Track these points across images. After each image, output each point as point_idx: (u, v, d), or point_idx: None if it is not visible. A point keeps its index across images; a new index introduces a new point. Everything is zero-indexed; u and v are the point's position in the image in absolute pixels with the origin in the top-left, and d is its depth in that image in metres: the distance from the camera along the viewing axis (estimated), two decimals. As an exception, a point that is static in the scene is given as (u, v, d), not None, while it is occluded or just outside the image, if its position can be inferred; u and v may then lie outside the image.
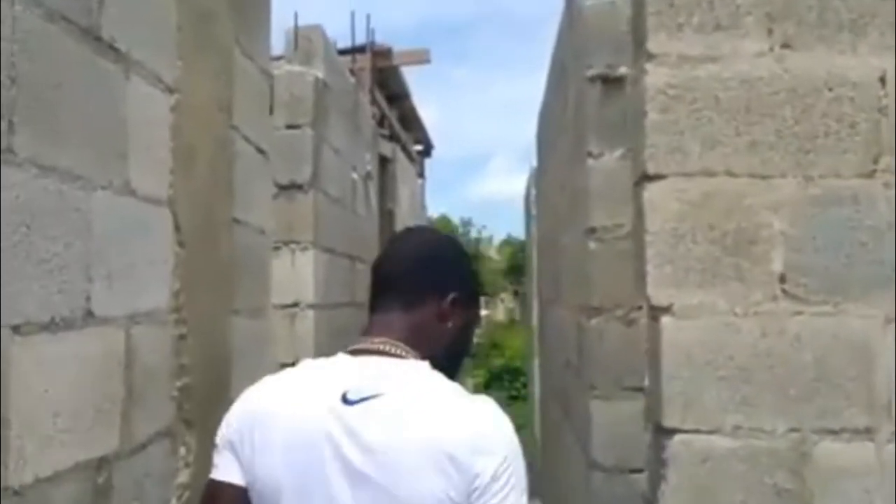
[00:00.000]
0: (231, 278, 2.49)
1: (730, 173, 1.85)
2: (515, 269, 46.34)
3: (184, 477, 2.12)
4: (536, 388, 8.86)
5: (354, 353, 1.40)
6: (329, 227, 4.34)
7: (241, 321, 2.60)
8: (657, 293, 1.85)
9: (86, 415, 1.59)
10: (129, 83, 1.80)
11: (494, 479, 1.26)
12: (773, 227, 1.85)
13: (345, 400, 1.31)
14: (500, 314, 43.42)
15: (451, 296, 1.46)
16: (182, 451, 2.12)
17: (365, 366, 1.36)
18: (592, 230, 2.97)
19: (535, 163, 9.09)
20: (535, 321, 8.91)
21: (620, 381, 2.96)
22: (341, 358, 1.41)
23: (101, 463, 1.65)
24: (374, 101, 6.40)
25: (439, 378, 1.37)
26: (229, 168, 2.48)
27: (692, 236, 1.85)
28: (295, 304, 3.99)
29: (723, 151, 1.86)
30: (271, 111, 3.84)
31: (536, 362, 8.73)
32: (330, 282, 4.37)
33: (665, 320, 1.85)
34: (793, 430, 1.85)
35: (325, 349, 4.31)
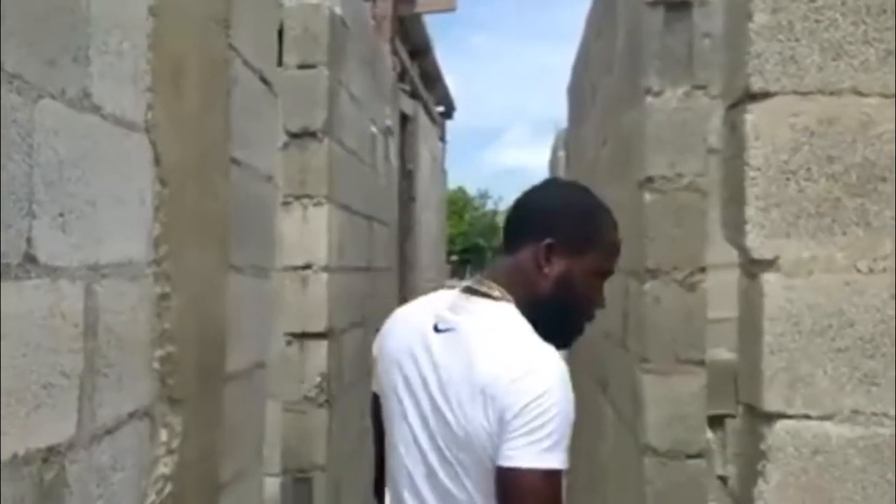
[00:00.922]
0: (228, 228, 2.11)
1: (857, 92, 1.45)
2: (533, 240, 46.12)
3: (166, 466, 1.75)
4: (561, 361, 8.48)
5: (463, 289, 1.59)
6: (346, 182, 3.94)
7: (240, 279, 2.22)
8: (759, 244, 1.45)
9: (26, 393, 1.22)
10: (90, -32, 1.40)
11: (521, 413, 1.34)
12: (909, 160, 1.45)
13: (435, 328, 1.53)
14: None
15: (546, 241, 1.51)
16: (164, 434, 1.75)
17: (461, 300, 1.56)
18: (649, 179, 2.57)
19: (562, 126, 8.65)
20: (560, 290, 8.52)
21: (678, 353, 2.58)
22: (453, 293, 1.61)
23: (50, 454, 1.28)
24: (395, 52, 5.98)
25: (515, 323, 1.47)
26: (226, 96, 2.08)
27: (806, 172, 1.45)
28: (307, 266, 3.60)
29: (849, 63, 1.45)
30: (281, 47, 3.44)
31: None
32: (346, 243, 3.98)
33: (768, 278, 1.45)
34: (926, 415, 1.46)
35: (340, 317, 3.96)
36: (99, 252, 1.44)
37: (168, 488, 1.77)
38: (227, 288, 2.11)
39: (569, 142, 7.33)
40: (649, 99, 2.55)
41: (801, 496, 1.43)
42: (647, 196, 2.56)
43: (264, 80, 2.40)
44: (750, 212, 1.45)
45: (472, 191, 51.05)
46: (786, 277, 1.44)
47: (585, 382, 4.84)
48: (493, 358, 1.42)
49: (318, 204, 3.52)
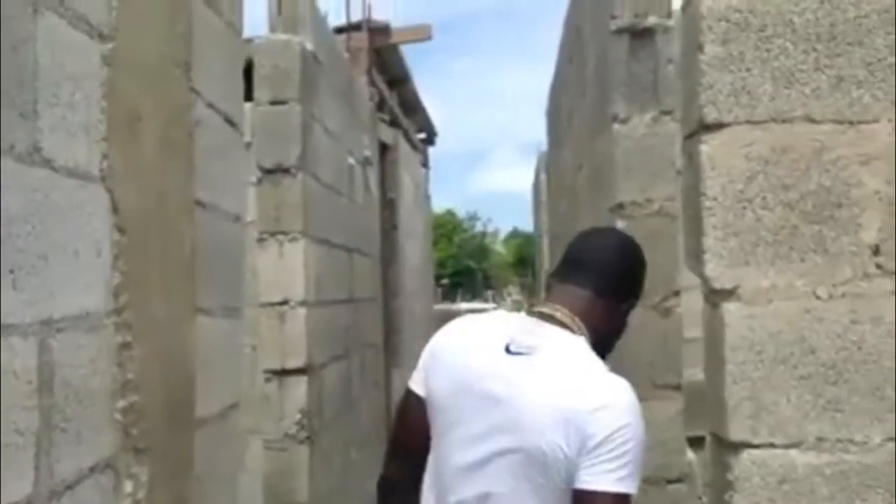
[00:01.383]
0: (194, 271, 2.09)
1: (810, 119, 1.45)
2: (522, 261, 46.26)
3: (134, 517, 1.72)
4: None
5: (532, 313, 1.68)
6: (322, 215, 3.93)
7: (209, 322, 2.20)
8: (718, 273, 1.45)
9: (-23, 454, 1.20)
10: (39, 18, 1.40)
11: (603, 443, 1.46)
12: (864, 185, 1.45)
13: (507, 349, 1.60)
14: (507, 306, 43.19)
15: (630, 301, 1.73)
16: (129, 486, 1.72)
17: (535, 325, 1.64)
18: (620, 206, 2.57)
19: (543, 148, 8.69)
20: (547, 313, 8.51)
21: (654, 378, 2.57)
22: (521, 315, 1.73)
23: (4, 515, 1.26)
24: (372, 83, 5.99)
25: (589, 354, 1.60)
26: (188, 139, 2.07)
27: (762, 200, 1.45)
28: (284, 302, 3.58)
29: (801, 91, 1.45)
30: (252, 83, 3.44)
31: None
32: (325, 277, 3.96)
33: (729, 307, 1.45)
34: (891, 439, 1.45)
35: (319, 351, 3.94)
36: (53, 306, 1.43)
37: (136, 539, 1.75)
38: (194, 331, 2.09)
39: (549, 165, 7.35)
40: (617, 126, 2.56)
41: (768, 528, 1.42)
42: (619, 222, 2.56)
43: (229, 121, 2.40)
44: (708, 241, 1.45)
45: (460, 213, 51.22)
46: (746, 306, 1.44)
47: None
48: (576, 387, 1.53)
49: (293, 239, 3.51)
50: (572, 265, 1.73)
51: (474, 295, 48.78)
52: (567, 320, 1.63)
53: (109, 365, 1.65)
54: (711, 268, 1.45)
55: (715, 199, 1.45)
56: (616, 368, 2.78)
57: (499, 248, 56.09)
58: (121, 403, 1.69)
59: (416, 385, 1.76)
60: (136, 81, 1.78)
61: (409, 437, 1.79)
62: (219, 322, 2.29)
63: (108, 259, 1.65)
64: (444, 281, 40.22)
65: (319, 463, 3.71)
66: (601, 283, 1.68)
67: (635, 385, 2.60)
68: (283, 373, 3.55)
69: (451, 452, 1.65)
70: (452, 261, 45.22)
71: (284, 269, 3.51)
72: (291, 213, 3.51)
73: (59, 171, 1.47)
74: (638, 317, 2.57)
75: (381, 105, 6.64)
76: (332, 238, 4.16)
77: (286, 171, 3.51)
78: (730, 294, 1.44)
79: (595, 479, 1.47)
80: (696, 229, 1.49)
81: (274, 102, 3.53)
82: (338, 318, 4.22)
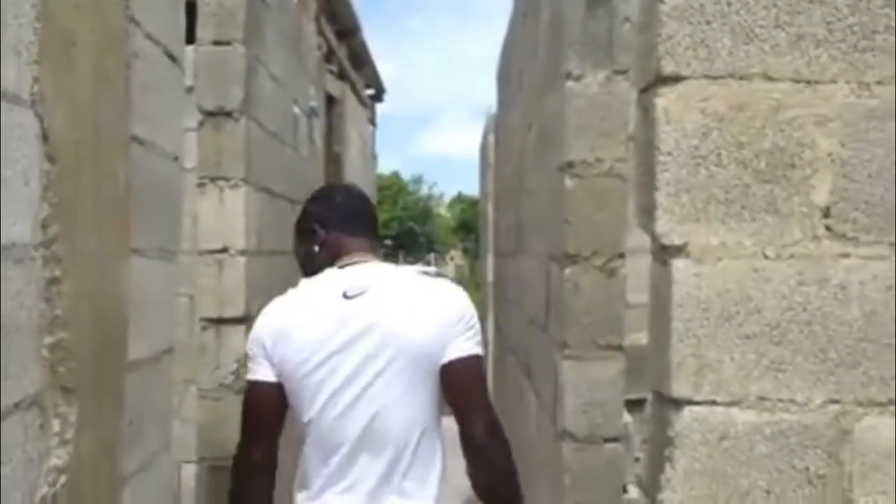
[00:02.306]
0: (129, 210, 2.01)
1: (767, 77, 1.44)
2: (466, 226, 46.42)
3: (59, 458, 1.66)
4: (490, 348, 8.51)
5: (345, 266, 2.07)
6: (265, 163, 3.84)
7: (143, 263, 2.12)
8: (669, 229, 1.44)
9: None
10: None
11: (459, 324, 1.96)
12: (818, 146, 1.44)
13: (344, 296, 1.98)
14: (450, 271, 43.46)
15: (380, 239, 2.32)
16: (56, 425, 1.66)
17: (357, 272, 2.04)
18: (569, 165, 2.55)
19: (493, 110, 8.64)
20: (490, 277, 8.54)
21: (596, 338, 2.57)
22: (335, 271, 2.07)
23: (-84, 451, 1.19)
24: (320, 32, 5.86)
25: (410, 272, 2.16)
26: (125, 70, 1.98)
27: (717, 157, 1.43)
28: (223, 250, 3.49)
29: (759, 48, 1.44)
30: (194, 22, 3.32)
31: (491, 319, 8.37)
32: (265, 226, 3.88)
33: (678, 264, 1.43)
34: (832, 401, 1.47)
35: (258, 301, 3.87)
36: (-23, 234, 1.35)
37: (62, 480, 1.68)
38: (127, 272, 2.01)
39: (498, 126, 7.32)
40: (570, 83, 2.52)
41: (707, 482, 1.43)
42: (568, 181, 2.54)
43: (169, 56, 2.30)
44: (660, 197, 1.43)
45: (405, 176, 50.99)
46: (695, 264, 1.43)
47: (511, 371, 4.85)
48: (421, 295, 2.00)
49: (234, 186, 3.42)
50: (352, 221, 2.17)
51: (416, 258, 48.85)
52: (367, 258, 2.11)
53: (37, 300, 1.57)
54: (662, 224, 1.43)
55: (669, 153, 1.43)
56: (557, 326, 2.79)
57: (443, 211, 56.09)
58: (48, 340, 1.62)
59: (263, 374, 2.05)
60: (72, 4, 1.68)
61: (268, 423, 2.10)
62: (154, 264, 2.21)
63: (37, 189, 1.56)
64: (387, 242, 40.11)
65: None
66: (371, 231, 2.21)
67: (576, 344, 2.62)
68: (220, 321, 3.47)
69: (333, 402, 1.99)
70: (396, 223, 45.08)
71: (224, 216, 3.42)
72: (233, 159, 3.41)
73: (-13, 91, 1.38)
74: (580, 276, 2.57)
75: (328, 56, 6.51)
76: (274, 188, 4.07)
77: (228, 114, 3.40)
78: (679, 251, 1.43)
79: (460, 349, 1.95)
80: (648, 184, 1.47)
81: (217, 42, 3.41)
82: (278, 270, 4.14)
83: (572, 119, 2.53)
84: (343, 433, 1.98)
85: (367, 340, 1.95)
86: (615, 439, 2.55)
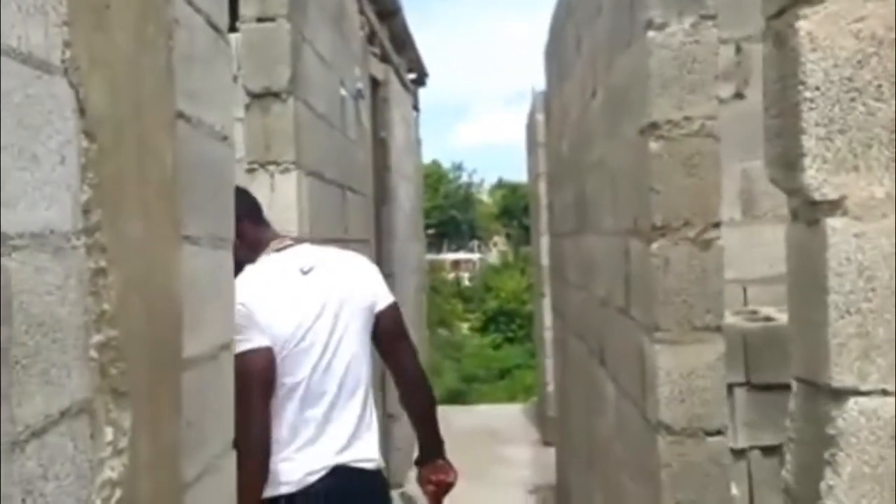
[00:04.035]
0: (177, 193, 1.82)
1: (933, -10, 1.18)
2: (508, 212, 46.06)
3: (114, 470, 1.48)
4: (547, 332, 8.26)
5: (284, 248, 2.62)
6: (314, 147, 3.64)
7: (196, 252, 1.93)
8: (820, 181, 1.19)
9: None
10: None
11: (379, 279, 2.71)
12: None
13: (302, 273, 2.52)
14: (493, 257, 43.16)
15: None
16: (109, 433, 1.47)
17: (301, 252, 2.61)
18: (653, 126, 2.30)
19: (539, 89, 8.36)
20: (544, 259, 8.28)
21: (692, 319, 2.32)
22: (282, 254, 2.60)
23: (-52, 472, 1.00)
24: (361, 11, 5.65)
25: (320, 246, 2.79)
26: (166, 39, 1.78)
27: (877, 90, 1.18)
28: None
29: (923, -47, 1.18)
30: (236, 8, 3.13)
31: (548, 303, 8.12)
32: (318, 212, 3.69)
33: (833, 223, 1.19)
34: None
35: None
36: (6, 220, 1.15)
37: (117, 494, 1.50)
38: (179, 261, 1.82)
39: (548, 104, 7.05)
40: (651, 34, 2.27)
41: (879, 490, 1.18)
42: (652, 144, 2.29)
43: (213, 26, 2.10)
44: (808, 142, 1.19)
45: (445, 164, 50.66)
46: (854, 222, 1.18)
47: (578, 354, 4.61)
48: (356, 265, 2.70)
49: (285, 170, 3.23)
50: (258, 211, 2.65)
51: (459, 246, 48.60)
52: (291, 242, 2.67)
53: (81, 294, 1.38)
54: (811, 175, 1.19)
55: (817, 88, 1.18)
56: (643, 308, 2.55)
57: (484, 198, 55.71)
58: (96, 338, 1.43)
59: (260, 341, 2.42)
60: (104, -42, 1.48)
61: (271, 383, 2.44)
62: (206, 252, 2.02)
63: (75, 169, 1.37)
64: (430, 231, 40.03)
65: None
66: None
67: (668, 327, 2.38)
68: (276, 315, 3.29)
69: (318, 363, 2.47)
70: (437, 211, 44.89)
71: (277, 202, 3.23)
72: (283, 142, 3.22)
73: (12, 55, 1.19)
74: (670, 250, 2.32)
75: (371, 38, 6.30)
76: (325, 172, 3.88)
77: (276, 95, 3.21)
78: (834, 207, 1.18)
79: (386, 297, 2.66)
80: (789, 128, 1.23)
81: (261, 19, 3.21)
82: (332, 258, 3.95)
83: (655, 74, 2.28)
84: (326, 386, 2.46)
85: (329, 307, 2.48)
86: (718, 432, 2.31)
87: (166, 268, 1.77)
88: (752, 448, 3.68)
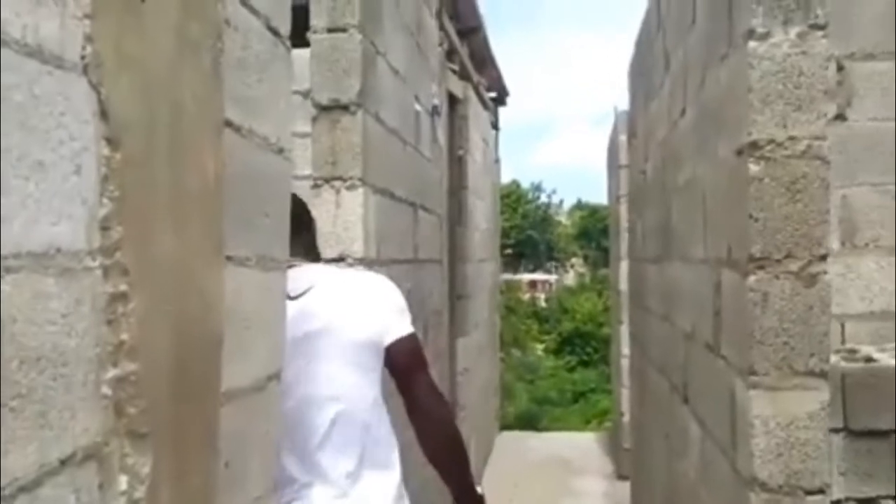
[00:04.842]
0: (220, 209, 1.66)
1: None
2: (586, 233, 45.56)
3: (129, 522, 1.31)
4: (624, 359, 7.94)
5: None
6: (384, 162, 3.48)
7: (242, 274, 1.77)
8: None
9: None
10: None
11: (392, 310, 2.34)
12: None
13: (290, 297, 2.07)
14: (570, 279, 42.70)
15: (312, 224, 2.57)
16: (123, 482, 1.30)
17: (294, 274, 2.20)
18: (753, 146, 2.05)
19: (621, 109, 8.08)
20: (623, 284, 7.97)
21: (792, 362, 2.06)
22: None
23: None
24: (441, 27, 5.50)
25: (338, 267, 2.82)
26: (215, 40, 1.63)
27: None
28: (341, 259, 3.14)
29: None
30: (308, 9, 3.00)
31: (623, 329, 7.80)
32: (386, 232, 3.52)
33: None
34: None
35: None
36: (10, 236, 1.00)
37: (136, 549, 1.33)
38: (219, 282, 1.66)
39: (631, 124, 6.79)
40: (753, 44, 2.03)
41: None
42: (752, 166, 2.04)
43: (273, 31, 1.95)
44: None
45: (524, 184, 50.34)
46: None
47: (656, 387, 4.33)
48: (354, 289, 2.34)
49: (351, 187, 3.06)
50: (296, 225, 2.36)
51: (536, 266, 48.25)
52: (303, 261, 2.34)
53: (93, 323, 1.22)
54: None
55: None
56: (736, 346, 2.29)
57: (563, 219, 55.17)
58: (112, 373, 1.27)
59: None
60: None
61: None
62: (254, 274, 1.86)
63: (93, 180, 1.21)
64: (507, 251, 39.80)
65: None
66: (297, 234, 2.28)
67: (766, 370, 2.12)
68: (339, 339, 3.12)
69: (302, 388, 2.22)
70: (515, 231, 44.60)
71: (341, 220, 3.07)
72: (350, 156, 3.06)
73: (14, 48, 1.04)
74: (769, 285, 2.07)
75: (450, 55, 6.15)
76: (395, 190, 3.71)
77: (345, 107, 3.05)
78: None
79: (401, 328, 2.29)
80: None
81: (332, 30, 3.07)
82: (400, 280, 3.77)
83: (757, 88, 2.04)
84: (301, 423, 2.23)
85: (315, 336, 2.22)
86: (820, 491, 2.04)
87: (204, 291, 1.60)
88: (848, 500, 3.34)
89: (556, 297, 33.00)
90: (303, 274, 2.25)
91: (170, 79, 1.45)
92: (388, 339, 2.26)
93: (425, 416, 2.28)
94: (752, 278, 2.06)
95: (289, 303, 2.09)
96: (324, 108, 3.08)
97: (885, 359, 3.21)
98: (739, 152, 2.14)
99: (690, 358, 3.09)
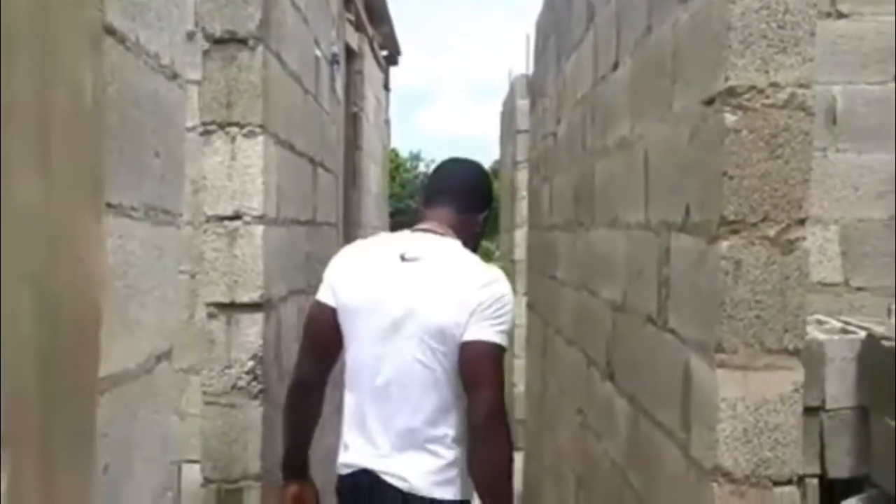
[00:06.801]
0: (98, 141, 1.27)
1: None
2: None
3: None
4: (519, 329, 7.78)
5: (415, 230, 2.47)
6: (286, 109, 3.09)
7: (123, 226, 1.39)
8: None
9: None
10: None
11: (488, 308, 2.26)
12: None
13: (402, 258, 2.35)
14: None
15: (483, 214, 2.60)
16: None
17: (420, 238, 2.43)
18: (731, 93, 1.80)
19: (519, 72, 7.87)
20: (518, 254, 7.80)
21: (764, 339, 1.84)
22: (406, 233, 2.47)
23: None
24: (338, -31, 5.08)
25: (465, 251, 2.44)
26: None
27: None
28: (236, 216, 2.74)
29: None
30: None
31: (519, 299, 7.64)
32: (286, 189, 3.14)
33: None
34: None
35: (278, 283, 3.16)
36: None
37: None
38: (99, 240, 1.28)
39: (535, 87, 6.57)
40: (734, -22, 1.77)
41: None
42: (728, 116, 1.79)
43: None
44: None
45: (403, 153, 49.84)
46: None
47: (569, 359, 4.15)
48: (462, 274, 2.33)
49: (250, 134, 2.66)
50: (437, 192, 2.54)
51: (416, 235, 48.08)
52: (441, 231, 2.44)
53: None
54: None
55: None
56: (695, 320, 2.06)
57: (443, 188, 54.91)
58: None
59: (327, 298, 2.41)
60: None
61: (324, 341, 2.42)
62: (142, 228, 1.48)
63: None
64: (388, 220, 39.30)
65: (276, 423, 2.92)
66: (460, 203, 2.50)
67: (733, 348, 1.89)
68: (232, 307, 2.74)
69: (366, 345, 2.33)
70: (394, 199, 44.21)
71: (237, 173, 2.67)
72: (248, 98, 2.66)
73: None
74: (742, 251, 1.84)
75: (347, 2, 5.74)
76: (295, 142, 3.32)
77: (242, 41, 2.65)
78: None
79: (480, 332, 2.24)
80: None
81: (228, -50, 2.65)
82: (299, 243, 3.41)
83: (738, 27, 1.78)
84: (369, 379, 2.35)
85: (403, 302, 2.29)
86: (788, 481, 1.84)
87: (78, 248, 1.22)
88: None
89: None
90: (422, 242, 2.38)
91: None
92: (465, 338, 2.24)
93: (480, 440, 2.22)
94: (724, 244, 1.82)
95: (399, 263, 2.31)
96: (217, 41, 2.66)
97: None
98: (709, 102, 1.90)
99: (620, 331, 2.88)
